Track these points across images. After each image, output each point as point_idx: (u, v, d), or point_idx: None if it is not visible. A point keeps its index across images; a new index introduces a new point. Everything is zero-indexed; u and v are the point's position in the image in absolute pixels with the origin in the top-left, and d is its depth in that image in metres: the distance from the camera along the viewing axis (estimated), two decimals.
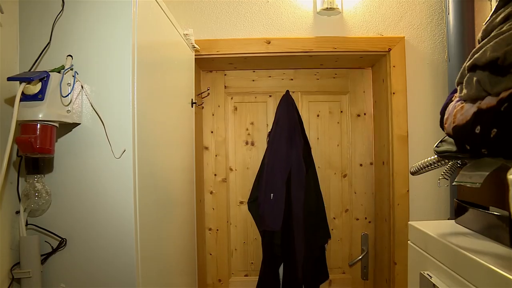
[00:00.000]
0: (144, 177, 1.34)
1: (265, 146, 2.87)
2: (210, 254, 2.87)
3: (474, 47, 1.97)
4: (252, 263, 2.92)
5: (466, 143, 0.65)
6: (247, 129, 2.91)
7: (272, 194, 2.71)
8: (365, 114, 2.78)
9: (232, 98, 2.86)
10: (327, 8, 2.33)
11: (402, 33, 2.37)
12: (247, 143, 2.92)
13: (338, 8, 2.34)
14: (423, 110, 2.35)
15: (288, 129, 2.77)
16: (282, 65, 2.65)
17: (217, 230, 2.88)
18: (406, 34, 2.37)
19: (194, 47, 2.20)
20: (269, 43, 2.32)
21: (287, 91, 2.86)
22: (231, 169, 2.89)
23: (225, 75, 2.81)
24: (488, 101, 0.60)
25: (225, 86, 2.82)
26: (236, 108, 2.88)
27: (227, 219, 2.90)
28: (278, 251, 2.70)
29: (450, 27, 2.28)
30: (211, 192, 2.85)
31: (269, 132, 2.77)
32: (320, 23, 2.38)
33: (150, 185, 1.42)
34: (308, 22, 2.38)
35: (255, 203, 2.83)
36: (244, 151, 2.91)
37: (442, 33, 2.38)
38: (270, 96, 2.87)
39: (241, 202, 2.92)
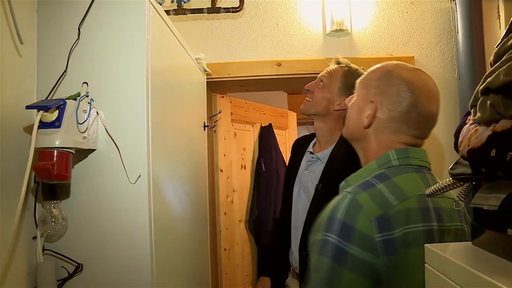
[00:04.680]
0: (159, 201, 1.35)
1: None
2: (226, 274, 2.89)
3: (484, 65, 1.97)
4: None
5: (482, 166, 0.65)
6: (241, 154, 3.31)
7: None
8: None
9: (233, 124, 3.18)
10: (336, 30, 2.35)
11: (412, 52, 2.38)
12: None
13: (347, 30, 2.36)
14: (434, 129, 2.34)
15: (281, 154, 3.53)
16: (292, 87, 2.68)
17: (229, 249, 2.91)
18: (416, 54, 2.39)
19: (206, 70, 2.23)
20: (280, 65, 2.35)
21: (270, 124, 3.50)
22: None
23: (230, 102, 2.94)
24: (503, 124, 0.60)
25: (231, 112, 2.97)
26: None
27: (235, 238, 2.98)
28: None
29: (460, 45, 2.29)
30: (225, 213, 2.87)
31: (262, 157, 3.17)
32: (330, 44, 2.40)
33: (165, 209, 1.43)
34: (318, 44, 2.41)
35: (254, 221, 3.27)
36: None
37: (452, 52, 2.39)
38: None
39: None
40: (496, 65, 0.64)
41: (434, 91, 1.15)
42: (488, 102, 0.63)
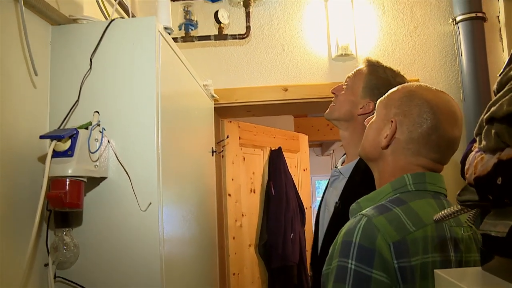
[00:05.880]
0: (170, 228, 1.36)
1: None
2: None
3: (488, 87, 1.99)
4: None
5: (489, 193, 0.66)
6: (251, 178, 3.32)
7: (292, 234, 3.36)
8: None
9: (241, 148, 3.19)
10: (341, 54, 2.39)
11: (417, 76, 2.41)
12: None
13: (352, 54, 2.39)
14: None
15: (291, 178, 3.52)
16: (299, 111, 2.70)
17: (238, 273, 2.91)
18: (421, 77, 2.41)
19: (213, 96, 2.26)
20: (286, 90, 2.38)
21: (279, 147, 3.47)
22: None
23: (239, 126, 2.96)
24: (508, 153, 0.61)
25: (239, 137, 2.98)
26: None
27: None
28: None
29: (464, 68, 2.32)
30: (234, 238, 2.87)
31: (272, 181, 3.18)
32: (336, 69, 2.43)
33: (175, 236, 1.44)
34: (323, 68, 2.44)
35: (264, 245, 3.28)
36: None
37: (456, 74, 2.41)
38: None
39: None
40: (499, 94, 0.66)
41: (458, 114, 1.10)
42: (493, 131, 0.65)
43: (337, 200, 1.50)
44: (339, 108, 1.60)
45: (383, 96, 1.18)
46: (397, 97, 1.12)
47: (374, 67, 1.58)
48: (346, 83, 1.62)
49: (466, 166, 0.74)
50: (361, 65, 1.62)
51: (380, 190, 1.10)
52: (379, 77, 1.55)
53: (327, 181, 1.67)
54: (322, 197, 1.68)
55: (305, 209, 3.68)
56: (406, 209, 0.99)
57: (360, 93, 1.56)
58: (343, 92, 1.61)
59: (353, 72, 1.62)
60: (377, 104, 1.19)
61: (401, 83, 1.49)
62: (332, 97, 1.66)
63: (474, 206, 0.76)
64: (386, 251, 0.91)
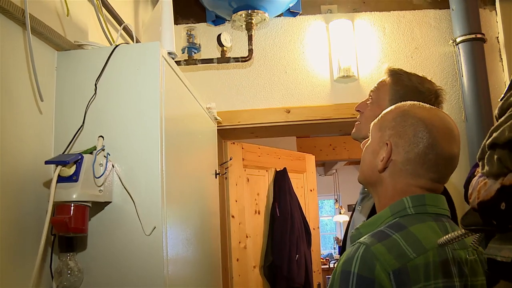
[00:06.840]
0: (174, 253, 1.36)
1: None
2: None
3: (490, 107, 2.00)
4: None
5: (492, 218, 0.66)
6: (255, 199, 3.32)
7: (297, 255, 3.34)
8: None
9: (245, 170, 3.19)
10: (343, 76, 2.41)
11: None
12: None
13: (354, 76, 2.41)
14: None
15: (296, 198, 3.52)
16: (302, 133, 2.71)
17: None
18: None
19: (217, 119, 2.28)
20: (289, 112, 2.39)
21: (285, 168, 3.47)
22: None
23: (242, 148, 2.96)
24: (511, 178, 0.62)
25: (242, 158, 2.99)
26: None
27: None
28: None
29: (465, 88, 2.34)
30: (238, 260, 2.85)
31: (277, 202, 3.16)
32: (338, 90, 2.45)
33: (179, 260, 1.43)
34: (326, 90, 2.46)
35: (269, 267, 3.26)
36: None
37: (458, 95, 2.43)
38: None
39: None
40: (501, 120, 0.67)
41: (454, 131, 1.06)
42: (495, 156, 0.65)
43: (364, 219, 1.40)
44: (366, 125, 1.42)
45: (377, 118, 1.16)
46: (391, 118, 1.10)
47: (397, 75, 1.50)
48: (370, 98, 1.53)
49: (470, 191, 0.74)
50: (384, 76, 1.53)
51: (379, 215, 1.07)
52: (405, 86, 1.46)
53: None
54: (350, 218, 1.59)
55: (312, 230, 3.66)
56: (406, 234, 0.96)
57: (387, 105, 1.37)
58: (369, 108, 1.51)
59: (376, 85, 1.54)
60: (371, 127, 1.16)
61: (430, 89, 1.45)
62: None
63: (478, 230, 0.76)
64: (385, 280, 0.88)
